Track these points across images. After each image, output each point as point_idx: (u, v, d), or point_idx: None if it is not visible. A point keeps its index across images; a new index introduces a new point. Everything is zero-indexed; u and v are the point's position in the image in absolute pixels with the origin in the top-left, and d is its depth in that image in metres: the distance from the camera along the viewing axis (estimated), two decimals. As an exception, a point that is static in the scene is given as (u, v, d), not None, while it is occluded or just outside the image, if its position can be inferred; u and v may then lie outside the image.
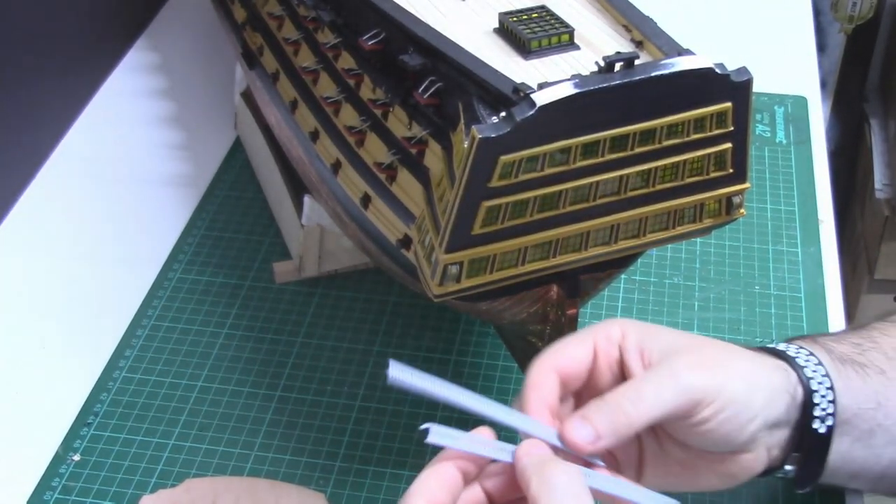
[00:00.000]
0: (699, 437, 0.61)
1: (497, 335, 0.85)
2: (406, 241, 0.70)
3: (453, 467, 0.57)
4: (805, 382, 0.64)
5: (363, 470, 0.78)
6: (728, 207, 0.68)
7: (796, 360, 0.65)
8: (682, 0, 1.29)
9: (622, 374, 0.62)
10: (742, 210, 0.69)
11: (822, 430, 0.65)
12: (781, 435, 0.65)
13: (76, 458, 0.79)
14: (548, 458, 0.56)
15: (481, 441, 0.57)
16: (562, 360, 0.61)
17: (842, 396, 0.65)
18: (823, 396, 0.65)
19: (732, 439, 0.62)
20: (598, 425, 0.58)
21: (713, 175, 0.65)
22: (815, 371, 0.65)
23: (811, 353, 0.66)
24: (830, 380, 0.65)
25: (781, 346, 0.67)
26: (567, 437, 0.58)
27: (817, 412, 0.64)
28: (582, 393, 0.63)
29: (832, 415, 0.65)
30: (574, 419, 0.58)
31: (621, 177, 0.63)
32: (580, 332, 0.63)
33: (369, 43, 0.73)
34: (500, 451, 0.57)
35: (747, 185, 0.67)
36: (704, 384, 0.60)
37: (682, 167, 0.64)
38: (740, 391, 0.61)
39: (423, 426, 0.55)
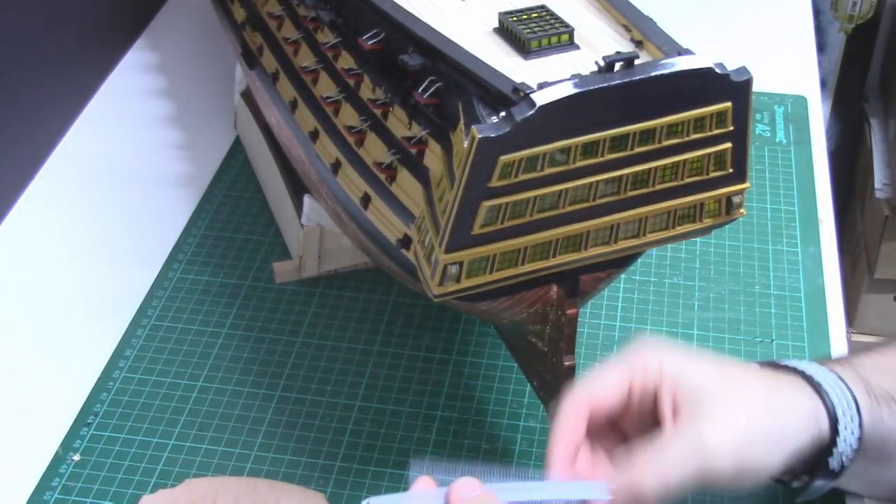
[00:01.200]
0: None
1: (497, 335, 0.85)
2: (406, 241, 0.70)
3: None
4: (835, 431, 0.64)
5: (363, 470, 0.78)
6: (728, 207, 0.68)
7: (836, 408, 0.64)
8: (682, 0, 1.29)
9: (654, 407, 0.63)
10: (742, 210, 0.68)
11: (836, 468, 0.65)
12: (792, 465, 0.65)
13: (76, 458, 0.79)
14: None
15: (418, 496, 0.58)
16: (597, 393, 0.63)
17: (868, 435, 0.65)
18: (849, 444, 0.64)
19: (741, 486, 0.62)
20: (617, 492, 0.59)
21: (713, 175, 0.65)
22: (850, 421, 0.64)
23: (853, 398, 0.65)
24: (861, 428, 0.64)
25: (826, 384, 0.65)
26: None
27: (835, 455, 0.64)
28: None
29: (850, 458, 0.65)
30: None
31: (621, 177, 0.63)
32: (617, 362, 0.64)
33: (369, 43, 0.73)
34: (439, 500, 0.57)
35: (747, 184, 0.67)
36: (731, 452, 0.60)
37: (682, 167, 0.64)
38: (764, 455, 0.61)
39: (363, 502, 0.56)
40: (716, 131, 0.64)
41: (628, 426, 0.65)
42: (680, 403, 0.62)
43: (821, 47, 2.00)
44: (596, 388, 0.63)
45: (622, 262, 0.70)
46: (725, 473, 0.60)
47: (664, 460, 0.60)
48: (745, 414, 0.62)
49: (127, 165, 1.09)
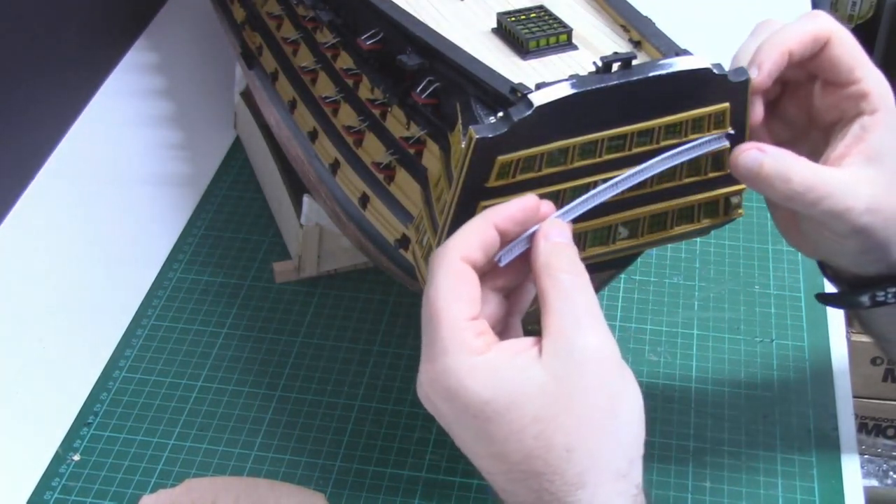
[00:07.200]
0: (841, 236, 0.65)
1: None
2: (404, 241, 0.70)
3: (492, 227, 0.56)
4: None
5: (363, 470, 0.79)
6: (726, 208, 0.68)
7: None
8: (682, 0, 1.29)
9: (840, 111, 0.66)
10: (740, 210, 0.68)
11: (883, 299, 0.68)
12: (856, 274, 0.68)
13: (76, 458, 0.80)
14: (560, 253, 0.56)
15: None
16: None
17: None
18: None
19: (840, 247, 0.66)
20: (765, 171, 0.62)
21: (711, 175, 0.65)
22: None
23: None
24: None
25: None
26: (738, 153, 0.63)
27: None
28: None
29: None
30: (751, 147, 0.63)
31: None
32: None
33: (368, 43, 0.73)
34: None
35: (745, 185, 0.67)
36: (871, 226, 0.63)
37: (680, 168, 0.64)
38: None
39: (496, 257, 0.56)
40: (714, 132, 0.64)
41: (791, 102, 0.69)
42: (867, 142, 0.64)
43: (821, 46, 1.99)
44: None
45: (621, 262, 0.70)
46: (851, 222, 0.63)
47: (822, 188, 0.62)
48: None
49: (127, 166, 1.09)
